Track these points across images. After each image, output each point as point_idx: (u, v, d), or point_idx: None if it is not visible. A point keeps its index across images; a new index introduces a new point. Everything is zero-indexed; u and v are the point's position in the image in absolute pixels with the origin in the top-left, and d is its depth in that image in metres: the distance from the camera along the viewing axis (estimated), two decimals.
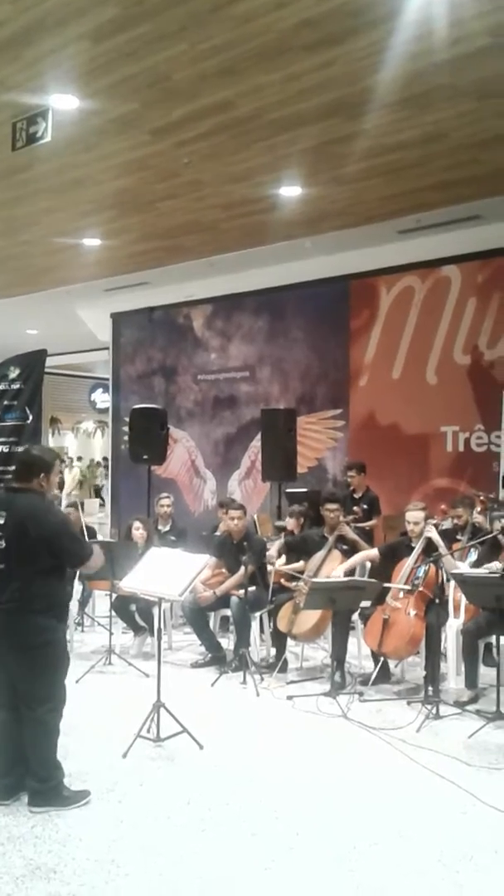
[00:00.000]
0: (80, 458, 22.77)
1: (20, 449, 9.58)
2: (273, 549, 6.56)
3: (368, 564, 6.28)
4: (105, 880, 3.16)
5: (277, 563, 6.53)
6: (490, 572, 5.30)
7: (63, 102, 5.53)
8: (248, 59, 4.90)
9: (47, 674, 3.78)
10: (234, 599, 6.20)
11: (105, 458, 21.55)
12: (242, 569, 6.15)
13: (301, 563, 6.39)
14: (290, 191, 7.27)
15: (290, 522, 7.28)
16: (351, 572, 6.04)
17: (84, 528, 6.89)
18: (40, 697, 3.76)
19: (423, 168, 6.65)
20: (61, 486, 18.66)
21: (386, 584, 5.68)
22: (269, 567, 6.61)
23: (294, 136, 6.02)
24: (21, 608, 3.70)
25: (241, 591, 6.11)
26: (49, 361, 10.55)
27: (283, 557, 6.70)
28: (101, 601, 7.42)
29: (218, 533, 7.14)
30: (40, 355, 10.22)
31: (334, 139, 6.07)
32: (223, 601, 6.32)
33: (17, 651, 3.72)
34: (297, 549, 6.48)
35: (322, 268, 9.82)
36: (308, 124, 5.81)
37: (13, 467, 10.09)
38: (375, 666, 5.77)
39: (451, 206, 7.69)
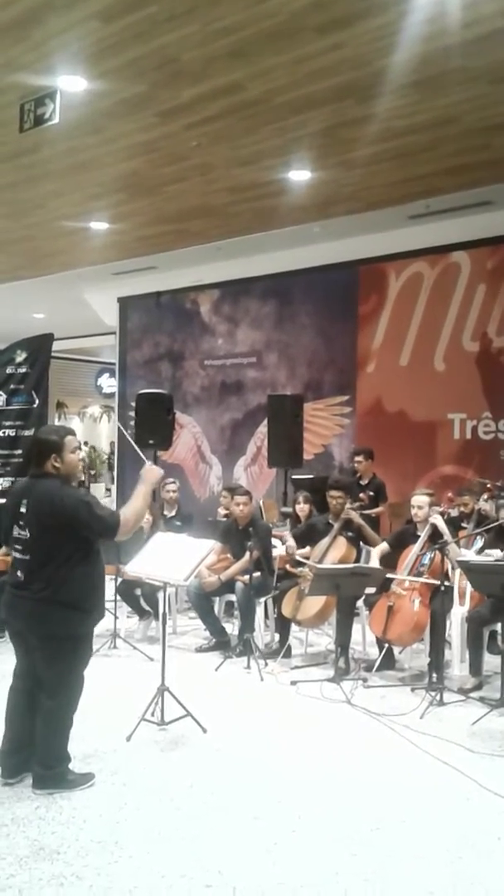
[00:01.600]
0: (86, 443, 22.78)
1: (27, 433, 9.61)
2: (290, 539, 6.53)
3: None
4: (108, 861, 3.18)
5: (299, 552, 6.47)
6: (495, 560, 5.29)
7: (71, 84, 5.48)
8: (257, 41, 4.85)
9: (70, 666, 3.76)
10: (238, 585, 6.21)
11: (112, 443, 21.59)
12: (247, 554, 6.15)
13: (307, 549, 6.39)
14: (300, 175, 7.21)
15: (304, 508, 7.21)
16: (357, 560, 6.06)
17: None
18: (59, 687, 3.76)
19: (434, 152, 6.58)
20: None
21: (391, 576, 5.67)
22: (276, 553, 6.61)
23: (304, 119, 5.96)
24: (48, 598, 3.65)
25: (246, 577, 6.12)
26: (56, 345, 10.55)
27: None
28: (107, 585, 7.43)
29: (220, 518, 7.13)
30: (47, 339, 10.22)
31: (344, 122, 6.01)
32: (228, 586, 6.33)
33: (42, 640, 3.71)
34: (304, 538, 6.47)
35: (331, 253, 9.77)
36: (318, 107, 5.75)
37: (19, 451, 10.14)
38: (380, 652, 5.78)
39: (462, 192, 7.62)
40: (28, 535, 3.69)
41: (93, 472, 21.38)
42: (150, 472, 4.06)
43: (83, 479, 19.94)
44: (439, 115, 5.84)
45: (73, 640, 3.75)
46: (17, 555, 3.74)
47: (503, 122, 5.96)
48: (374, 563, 5.89)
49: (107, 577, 7.12)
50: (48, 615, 3.67)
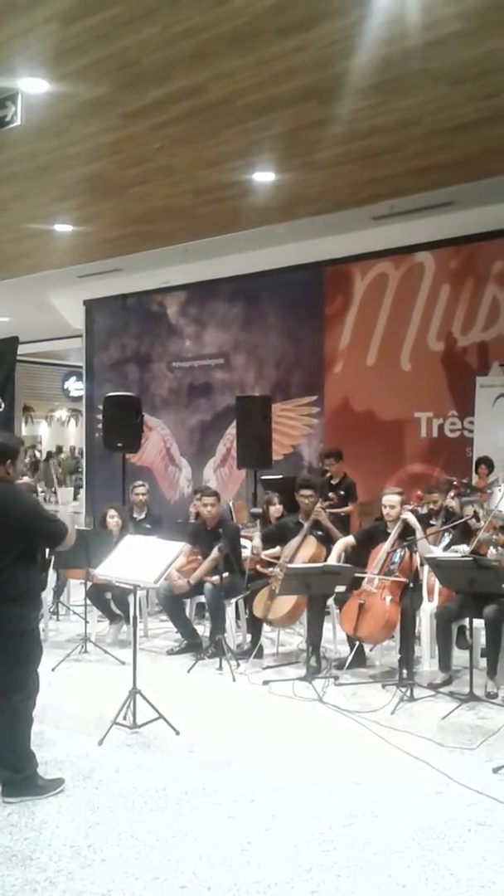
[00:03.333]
0: (59, 449, 22.57)
1: None
2: (256, 539, 6.51)
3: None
4: (82, 866, 3.17)
5: (269, 552, 6.45)
6: (462, 555, 5.35)
7: (33, 86, 5.45)
8: (219, 43, 4.86)
9: (22, 662, 3.77)
10: (207, 586, 6.20)
11: (72, 448, 21.50)
12: (214, 552, 6.15)
13: (277, 549, 6.40)
14: (264, 176, 7.24)
15: (278, 509, 7.14)
16: (328, 559, 6.09)
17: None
18: (15, 686, 3.75)
19: (397, 154, 6.65)
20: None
21: (360, 574, 5.70)
22: (245, 553, 6.61)
23: (267, 120, 5.98)
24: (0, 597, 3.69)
25: (215, 578, 6.12)
26: (21, 349, 10.52)
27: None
28: (77, 590, 7.39)
29: (192, 519, 7.12)
30: (12, 343, 10.16)
31: (307, 124, 6.05)
32: (197, 588, 6.32)
33: None
34: (274, 538, 6.47)
35: (297, 254, 9.82)
36: (281, 109, 5.78)
37: None
38: (351, 650, 5.81)
39: (425, 192, 7.70)
40: None
41: (58, 480, 21.19)
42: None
43: (54, 485, 19.83)
44: (401, 116, 5.90)
45: (25, 636, 3.77)
46: None
47: (464, 123, 6.04)
48: (333, 557, 5.90)
49: (77, 582, 7.13)
50: (1, 614, 3.69)
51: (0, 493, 3.78)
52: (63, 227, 8.87)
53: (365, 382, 9.72)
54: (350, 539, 6.10)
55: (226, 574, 6.13)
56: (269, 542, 6.55)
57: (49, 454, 20.77)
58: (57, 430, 23.60)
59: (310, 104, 5.69)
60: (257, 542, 6.38)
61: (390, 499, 5.88)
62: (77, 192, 7.66)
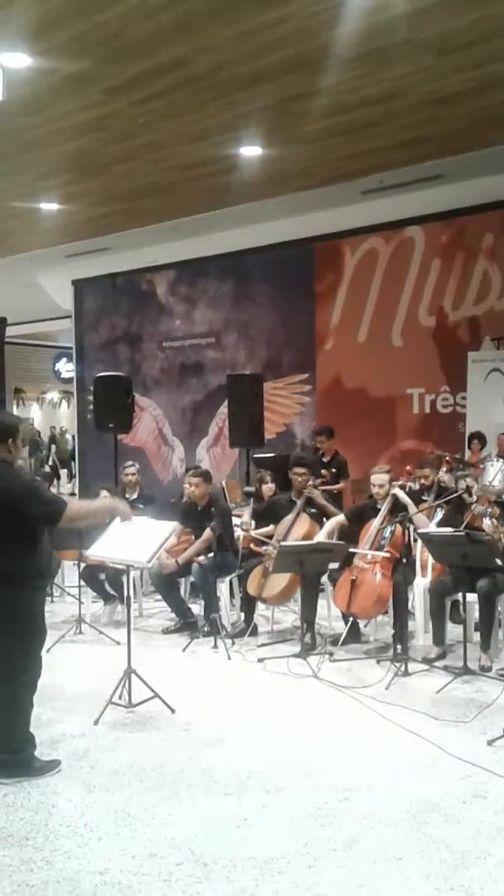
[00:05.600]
0: (59, 428, 22.45)
1: None
2: (246, 515, 6.51)
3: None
4: (78, 845, 3.18)
5: (263, 530, 6.44)
6: (454, 531, 5.35)
7: (14, 60, 5.37)
8: (202, 14, 4.78)
9: (21, 646, 3.74)
10: (195, 567, 6.20)
11: (59, 427, 21.45)
12: (206, 533, 6.14)
13: (271, 527, 6.40)
14: (251, 150, 7.16)
15: (271, 487, 7.15)
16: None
17: None
18: (14, 669, 3.73)
19: (384, 126, 6.59)
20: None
21: (353, 550, 5.71)
22: (238, 532, 6.61)
23: (252, 93, 5.91)
24: None
25: (201, 558, 6.12)
26: (10, 331, 10.44)
27: (253, 523, 6.67)
28: (70, 571, 7.39)
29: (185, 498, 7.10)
30: (0, 325, 10.06)
31: (293, 97, 5.97)
32: (187, 568, 6.31)
33: None
34: (266, 516, 6.47)
35: (286, 230, 9.75)
36: (266, 81, 5.71)
37: None
38: (345, 626, 5.83)
39: (414, 166, 7.64)
40: None
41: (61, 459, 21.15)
42: (122, 505, 4.40)
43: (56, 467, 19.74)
44: (387, 88, 5.83)
45: (24, 620, 3.73)
46: None
47: (450, 94, 5.98)
48: (322, 535, 5.90)
49: (70, 563, 7.11)
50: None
51: None
52: (48, 206, 8.79)
53: (356, 359, 9.69)
54: (341, 518, 6.08)
55: (211, 554, 6.11)
56: (261, 519, 6.54)
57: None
58: (49, 412, 23.50)
59: (295, 76, 5.62)
60: (246, 518, 6.36)
61: (378, 477, 5.89)
62: (61, 169, 7.58)
